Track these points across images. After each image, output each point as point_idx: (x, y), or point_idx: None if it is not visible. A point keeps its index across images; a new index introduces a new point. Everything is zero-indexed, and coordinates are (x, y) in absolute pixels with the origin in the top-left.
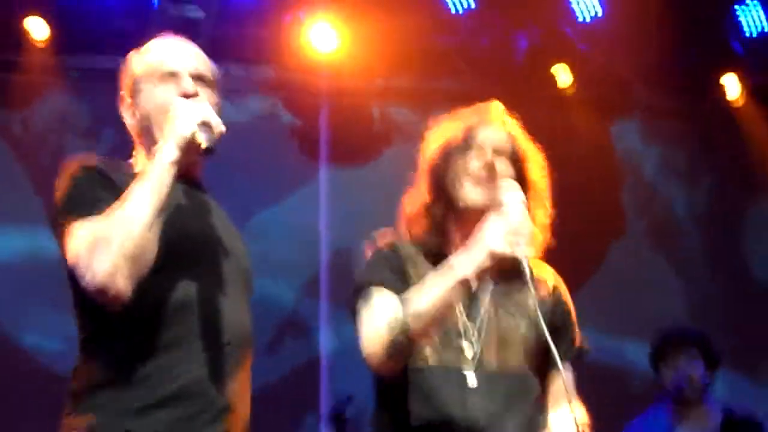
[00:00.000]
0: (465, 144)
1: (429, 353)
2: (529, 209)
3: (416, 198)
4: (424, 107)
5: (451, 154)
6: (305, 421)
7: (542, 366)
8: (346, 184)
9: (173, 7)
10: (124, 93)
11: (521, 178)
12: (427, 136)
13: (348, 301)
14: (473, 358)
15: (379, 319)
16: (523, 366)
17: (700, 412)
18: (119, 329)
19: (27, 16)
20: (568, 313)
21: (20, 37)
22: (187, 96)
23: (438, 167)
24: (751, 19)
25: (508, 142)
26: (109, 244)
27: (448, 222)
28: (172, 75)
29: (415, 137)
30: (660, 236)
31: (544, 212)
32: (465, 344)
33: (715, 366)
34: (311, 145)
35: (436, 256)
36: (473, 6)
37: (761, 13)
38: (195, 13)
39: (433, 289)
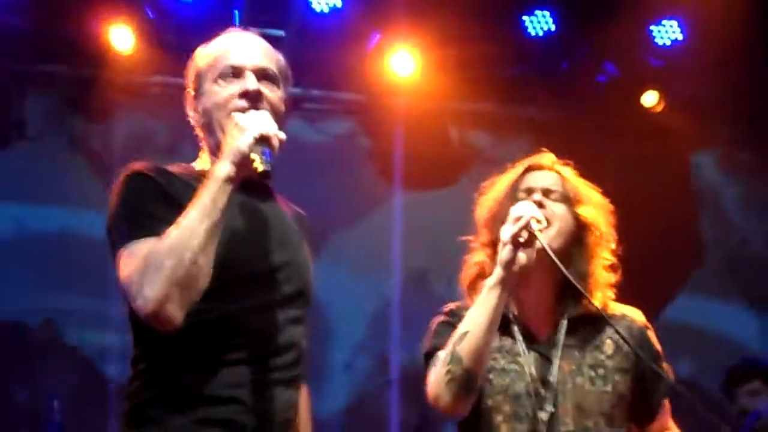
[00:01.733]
0: (514, 190)
1: (500, 422)
2: (591, 254)
3: (474, 258)
4: (503, 132)
5: (503, 205)
6: None
7: (629, 415)
8: (422, 207)
9: (254, 24)
10: (189, 87)
11: (577, 220)
12: (481, 194)
13: (422, 369)
14: (547, 422)
15: (439, 364)
16: (603, 426)
17: None
18: (171, 348)
19: (111, 27)
20: (654, 354)
21: (104, 51)
22: (248, 94)
23: (491, 222)
24: None
25: (559, 184)
26: (160, 271)
27: None
28: (235, 70)
29: (493, 161)
30: (735, 269)
31: (607, 252)
32: (539, 411)
33: None
34: (388, 167)
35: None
36: (552, 29)
37: None
38: (275, 32)
39: (470, 315)
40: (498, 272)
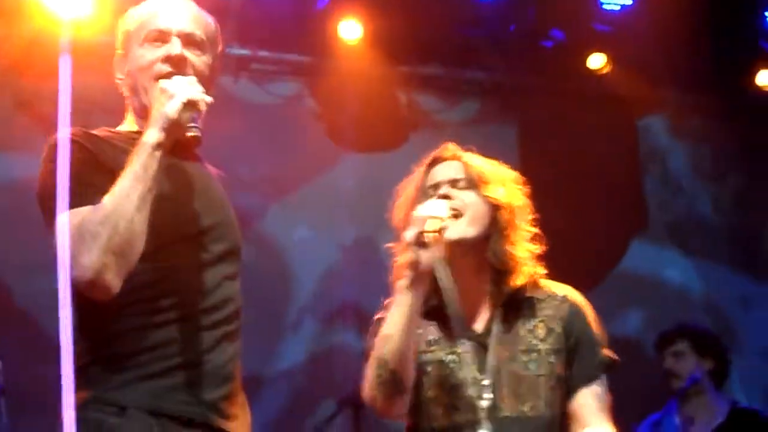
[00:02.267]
0: (423, 188)
1: (440, 414)
2: (508, 229)
3: (399, 261)
4: (451, 95)
5: (414, 206)
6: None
7: (566, 396)
8: (370, 169)
9: None
10: (118, 48)
11: (488, 202)
12: (396, 197)
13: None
14: (487, 410)
15: (369, 369)
16: (540, 409)
17: (704, 407)
18: (106, 311)
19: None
20: (585, 327)
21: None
22: (171, 59)
23: (406, 224)
24: None
25: (463, 171)
26: (96, 240)
27: None
28: (161, 34)
29: (441, 124)
30: (682, 232)
31: (524, 230)
32: (477, 398)
33: (711, 355)
34: (337, 130)
35: (431, 308)
36: None
37: None
38: None
39: (389, 318)
40: (407, 274)
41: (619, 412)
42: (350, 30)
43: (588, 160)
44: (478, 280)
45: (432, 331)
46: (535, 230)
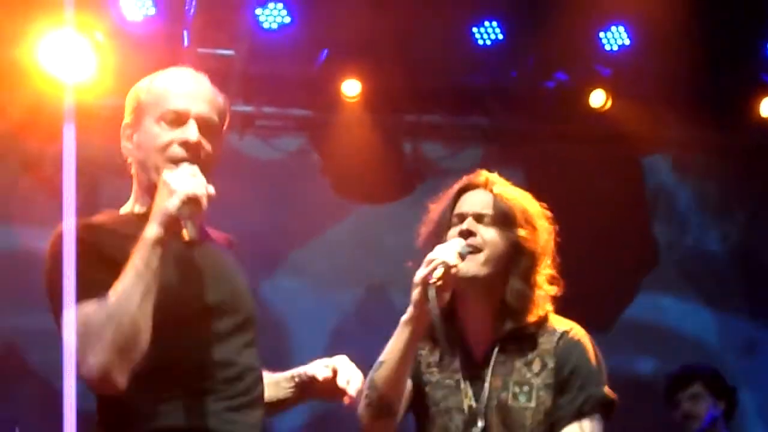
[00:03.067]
0: (448, 214)
1: None
2: (527, 274)
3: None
4: (455, 143)
5: (438, 229)
6: None
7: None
8: (378, 220)
9: (204, 44)
10: (127, 116)
11: (511, 242)
12: (426, 213)
13: None
14: None
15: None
16: None
17: None
18: (123, 397)
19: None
20: (581, 361)
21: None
22: (187, 144)
23: (429, 244)
24: None
25: (491, 206)
26: (101, 340)
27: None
28: (178, 116)
29: (446, 172)
30: (691, 270)
31: (544, 272)
32: (469, 425)
33: (725, 396)
34: (342, 183)
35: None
36: (501, 38)
37: None
38: (226, 51)
39: (388, 345)
40: (409, 310)
41: None
42: (351, 87)
43: (595, 202)
44: (486, 313)
45: (436, 353)
46: (554, 272)
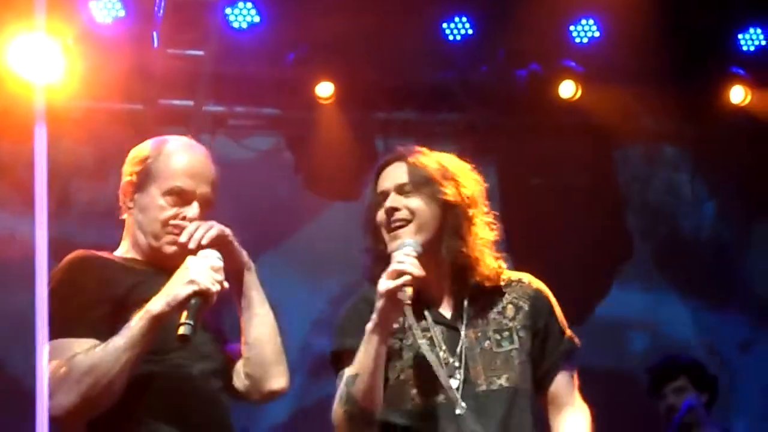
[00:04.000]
0: (372, 197)
1: (414, 395)
2: (462, 231)
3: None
4: (428, 139)
5: (370, 212)
6: None
7: (536, 374)
8: (352, 217)
9: (174, 44)
10: (132, 173)
11: (436, 203)
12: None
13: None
14: (458, 388)
15: (337, 399)
16: (515, 380)
17: None
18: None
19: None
20: (550, 312)
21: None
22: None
23: (364, 230)
24: (749, 39)
25: (407, 175)
26: (77, 387)
27: None
28: (184, 194)
29: None
30: (665, 260)
31: (479, 223)
32: (450, 379)
33: (709, 389)
34: (316, 181)
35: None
36: (471, 33)
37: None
38: (195, 52)
39: (358, 357)
40: (374, 319)
41: None
42: (324, 89)
43: (568, 194)
44: (441, 276)
45: (407, 318)
46: (490, 218)
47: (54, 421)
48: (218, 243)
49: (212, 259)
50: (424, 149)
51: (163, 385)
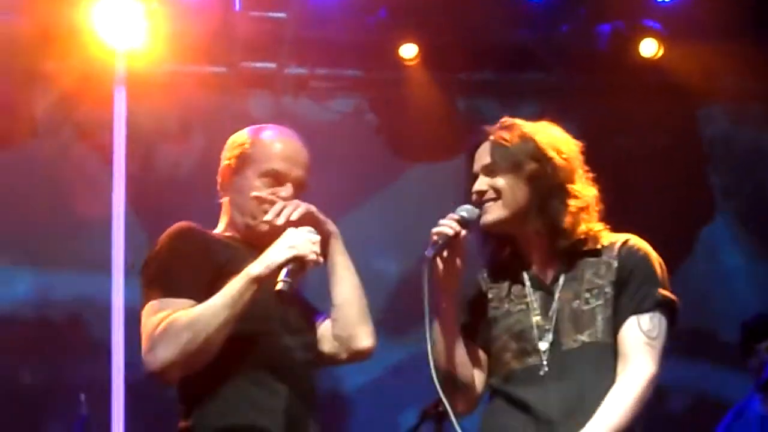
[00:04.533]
0: (469, 179)
1: (510, 359)
2: (549, 198)
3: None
4: (510, 99)
5: (468, 194)
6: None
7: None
8: (435, 179)
9: (255, 8)
10: (231, 158)
11: (525, 178)
12: None
13: None
14: (546, 350)
15: None
16: (598, 335)
17: None
18: (195, 394)
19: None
20: (643, 263)
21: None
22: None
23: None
24: None
25: (492, 153)
26: (177, 340)
27: None
28: (279, 176)
29: None
30: (751, 219)
31: (572, 187)
32: (539, 342)
33: None
34: (398, 142)
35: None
36: None
37: None
38: (278, 14)
39: (432, 324)
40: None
41: None
42: (407, 50)
43: (651, 154)
44: (539, 241)
45: (504, 287)
46: (585, 180)
47: (152, 374)
48: (306, 219)
49: (310, 233)
50: (511, 122)
51: (254, 351)
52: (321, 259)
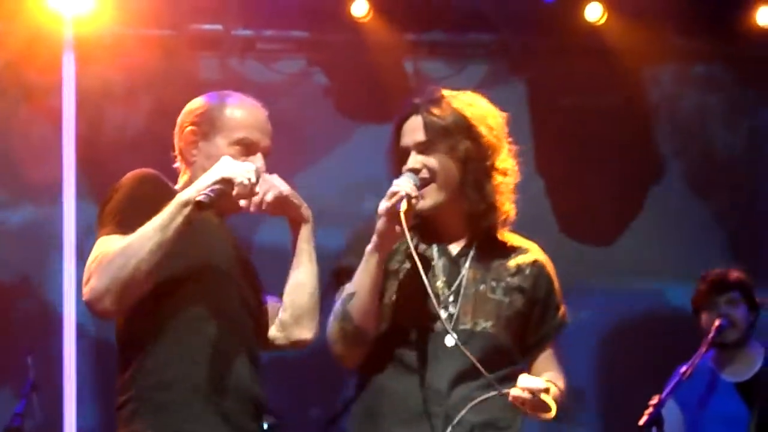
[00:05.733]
0: (394, 151)
1: (405, 317)
2: (479, 178)
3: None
4: (457, 60)
5: (393, 162)
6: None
7: (519, 335)
8: (383, 141)
9: None
10: (196, 124)
11: (455, 157)
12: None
13: (329, 285)
14: (449, 319)
15: (332, 315)
16: (500, 330)
17: (743, 355)
18: (145, 340)
19: None
20: (551, 286)
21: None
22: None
23: (392, 176)
24: None
25: (423, 131)
26: (108, 268)
27: None
28: (251, 145)
29: (450, 90)
30: (698, 179)
31: (498, 169)
32: (441, 309)
33: (756, 308)
34: (346, 103)
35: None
36: None
37: None
38: None
39: (356, 276)
40: (374, 240)
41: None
42: (358, 8)
43: (599, 114)
44: (457, 223)
45: (405, 243)
46: (511, 161)
47: (88, 306)
48: (279, 203)
49: (248, 164)
50: (440, 93)
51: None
52: (255, 190)
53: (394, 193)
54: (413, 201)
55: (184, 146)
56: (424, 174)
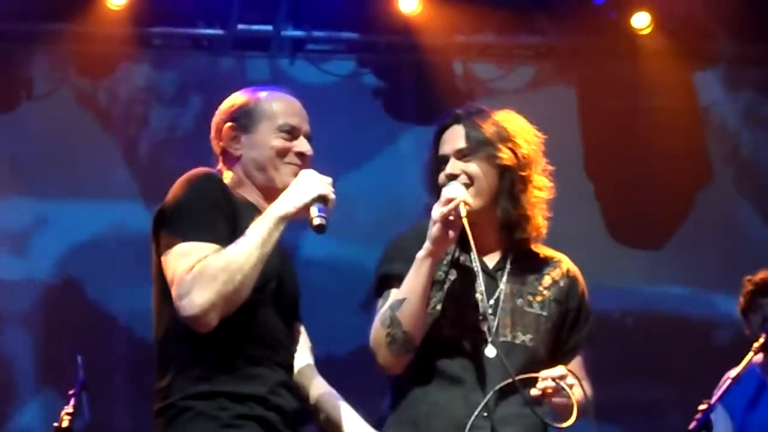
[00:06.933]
0: (433, 160)
1: (447, 325)
2: (514, 189)
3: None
4: (506, 62)
5: (432, 170)
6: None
7: (553, 345)
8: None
9: None
10: (235, 119)
11: (495, 166)
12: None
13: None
14: (489, 331)
15: (379, 321)
16: (538, 343)
17: None
18: (189, 348)
19: None
20: (582, 297)
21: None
22: (303, 155)
23: (430, 184)
24: None
25: (464, 139)
26: (213, 283)
27: None
28: (293, 131)
29: (498, 92)
30: (747, 184)
31: (534, 183)
32: (481, 322)
33: None
34: (394, 105)
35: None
36: None
37: None
38: None
39: (406, 282)
40: (427, 246)
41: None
42: (407, 5)
43: (647, 117)
44: (491, 231)
45: (450, 255)
46: (545, 178)
47: (190, 320)
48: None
49: (325, 178)
50: (480, 107)
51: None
52: (334, 197)
53: (450, 200)
54: (468, 207)
55: (225, 143)
56: (463, 179)
